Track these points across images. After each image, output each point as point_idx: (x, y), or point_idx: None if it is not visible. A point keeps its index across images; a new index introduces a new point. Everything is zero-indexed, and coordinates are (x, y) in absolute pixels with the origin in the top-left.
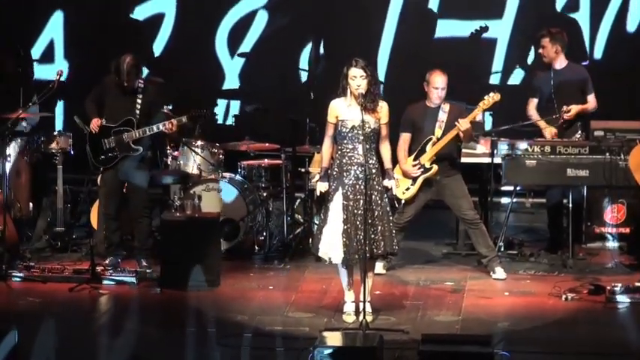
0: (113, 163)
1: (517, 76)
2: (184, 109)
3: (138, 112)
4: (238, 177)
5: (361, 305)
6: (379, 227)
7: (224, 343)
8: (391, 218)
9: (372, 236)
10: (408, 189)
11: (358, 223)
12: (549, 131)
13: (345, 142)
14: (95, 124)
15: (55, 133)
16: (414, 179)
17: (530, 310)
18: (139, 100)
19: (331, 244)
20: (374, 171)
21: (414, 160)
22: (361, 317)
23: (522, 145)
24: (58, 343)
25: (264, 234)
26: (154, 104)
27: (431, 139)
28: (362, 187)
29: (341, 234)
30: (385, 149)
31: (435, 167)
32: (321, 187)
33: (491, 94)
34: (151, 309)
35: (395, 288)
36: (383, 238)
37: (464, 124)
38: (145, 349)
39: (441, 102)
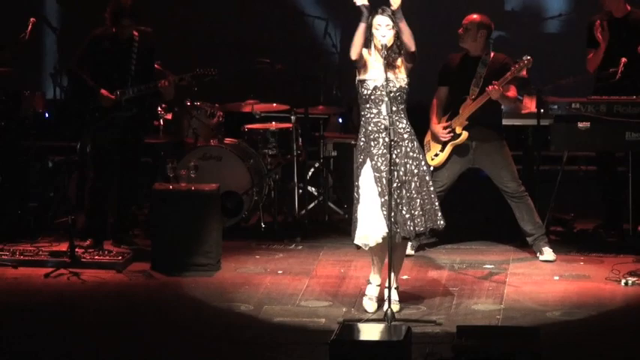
0: (101, 123)
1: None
2: (180, 64)
3: (133, 67)
4: (241, 143)
5: (386, 292)
6: (418, 201)
7: (226, 337)
8: (432, 189)
9: (412, 212)
10: (437, 154)
11: (398, 198)
12: None
13: (369, 106)
14: (107, 98)
15: (26, 93)
16: (444, 144)
17: (585, 296)
18: (134, 55)
19: (369, 224)
20: (405, 136)
21: (448, 120)
22: (386, 306)
23: (574, 105)
24: (30, 342)
25: (272, 209)
26: (150, 58)
27: (465, 99)
28: (393, 155)
29: (380, 208)
30: None
31: (465, 134)
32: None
33: (525, 57)
34: (140, 298)
35: (425, 272)
36: (424, 213)
37: (494, 92)
38: (134, 347)
39: (485, 50)
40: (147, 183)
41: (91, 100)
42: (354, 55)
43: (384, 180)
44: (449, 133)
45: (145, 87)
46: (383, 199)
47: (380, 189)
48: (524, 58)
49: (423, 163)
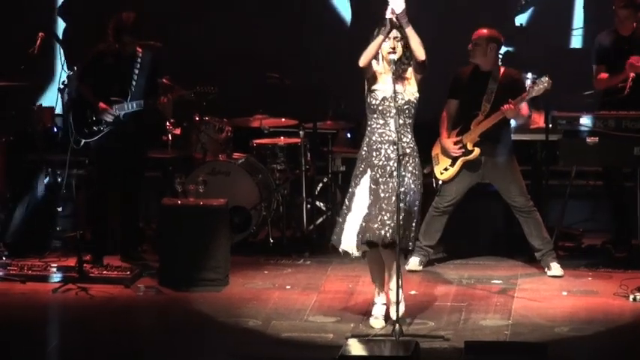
0: (96, 138)
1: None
2: (188, 79)
3: (135, 82)
4: (250, 158)
5: (393, 308)
6: (403, 214)
7: (234, 353)
8: (416, 209)
9: (388, 221)
10: (446, 169)
11: (385, 205)
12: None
13: (375, 116)
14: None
15: (35, 107)
16: (454, 159)
17: (593, 312)
18: (136, 70)
19: (351, 235)
20: (408, 150)
21: (458, 135)
22: (391, 322)
23: (583, 120)
24: (38, 357)
25: (280, 224)
26: (152, 73)
27: (477, 115)
28: (393, 168)
29: (362, 218)
30: None
31: (477, 151)
32: None
33: (544, 78)
34: (148, 313)
35: (433, 287)
36: (409, 228)
37: (510, 112)
38: None
39: (495, 65)
40: (155, 198)
41: (90, 114)
42: (361, 63)
43: (378, 192)
44: (460, 148)
45: (143, 103)
46: (367, 211)
47: (370, 201)
48: (543, 79)
49: (419, 182)
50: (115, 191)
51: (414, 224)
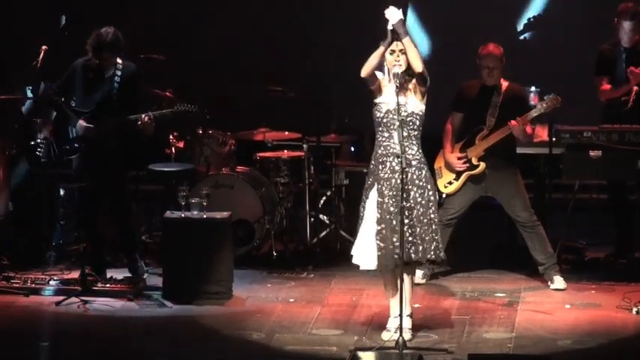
0: (75, 155)
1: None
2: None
3: (115, 98)
4: (253, 171)
5: (398, 320)
6: (417, 229)
7: None
8: (436, 220)
9: (410, 239)
10: (450, 183)
11: (395, 223)
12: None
13: (381, 129)
14: (85, 129)
15: (38, 121)
16: (458, 173)
17: (596, 325)
18: (115, 85)
19: (363, 247)
20: (414, 163)
21: (462, 150)
22: (397, 334)
23: (586, 133)
24: None
25: (284, 238)
26: (132, 89)
27: (481, 129)
28: (398, 181)
29: (375, 236)
30: None
31: (482, 165)
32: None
33: (552, 96)
34: (151, 326)
35: (437, 300)
36: (422, 242)
37: (517, 128)
38: None
39: (495, 82)
40: (159, 211)
41: (70, 130)
42: (363, 73)
43: (384, 206)
44: (464, 163)
45: (122, 121)
46: (379, 227)
47: (379, 215)
48: (552, 97)
49: (430, 193)
50: (101, 206)
51: (433, 235)
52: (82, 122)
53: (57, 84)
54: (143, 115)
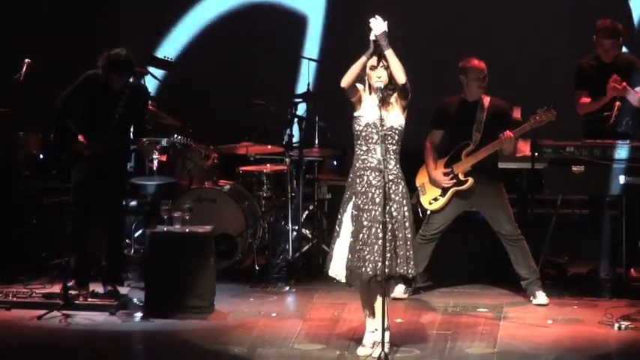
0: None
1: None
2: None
3: (118, 116)
4: (236, 185)
5: (379, 335)
6: (393, 244)
7: None
8: (409, 236)
9: (368, 256)
10: (435, 199)
11: (366, 237)
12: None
13: (359, 142)
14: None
15: (21, 134)
16: (444, 189)
17: (578, 340)
18: (121, 103)
19: (339, 260)
20: (391, 177)
21: (446, 166)
22: (378, 350)
23: (568, 148)
24: None
25: (266, 252)
26: (138, 109)
27: (467, 144)
28: (374, 195)
29: (347, 248)
30: None
31: (471, 181)
32: None
33: (545, 109)
34: (133, 340)
35: (419, 315)
36: (396, 257)
37: (509, 141)
38: None
39: (481, 95)
40: (141, 224)
41: (69, 144)
42: (343, 83)
43: (359, 219)
44: (451, 179)
45: (121, 141)
46: (351, 239)
47: (354, 228)
48: (547, 112)
49: (405, 208)
50: (94, 219)
51: (406, 250)
52: (80, 138)
53: (63, 94)
54: (144, 139)
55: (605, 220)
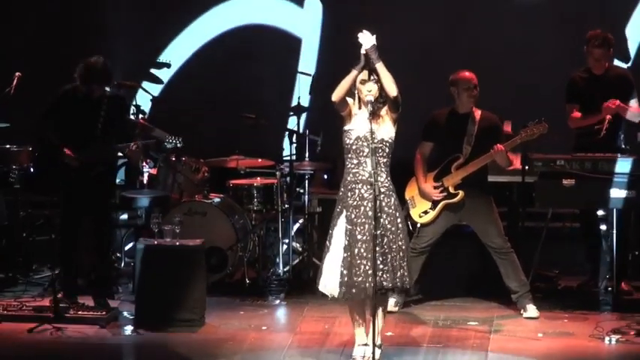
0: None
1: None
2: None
3: (100, 126)
4: (226, 198)
5: (369, 350)
6: (389, 256)
7: None
8: (404, 247)
9: (381, 266)
10: (426, 212)
11: (363, 251)
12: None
13: (350, 156)
14: (70, 158)
15: (13, 148)
16: (434, 203)
17: (568, 354)
18: (102, 113)
19: (331, 275)
20: (382, 190)
21: (436, 179)
22: None
23: (558, 161)
24: None
25: (257, 265)
26: (119, 117)
27: (458, 157)
28: (367, 208)
29: (340, 263)
30: None
31: (461, 194)
32: None
33: (536, 122)
34: (123, 353)
35: (409, 328)
36: (392, 269)
37: (500, 154)
38: None
39: (472, 107)
40: (132, 238)
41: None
42: (334, 97)
43: (353, 233)
44: (441, 192)
45: (108, 149)
46: (345, 254)
47: (347, 242)
48: (538, 124)
49: (399, 220)
50: (82, 230)
51: (401, 262)
52: (66, 151)
53: (42, 112)
54: (131, 144)
55: (597, 234)
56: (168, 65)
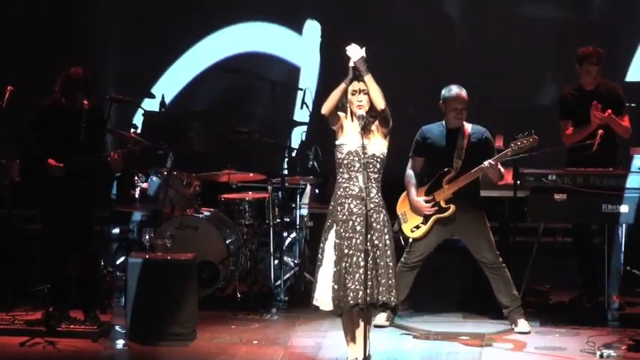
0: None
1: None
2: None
3: (82, 137)
4: (218, 213)
5: None
6: (375, 272)
7: None
8: (391, 264)
9: (351, 285)
10: (417, 227)
11: (348, 266)
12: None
13: (341, 170)
14: (55, 169)
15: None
16: (426, 217)
17: None
18: (83, 125)
19: (323, 289)
20: (372, 205)
21: (427, 193)
22: None
23: (550, 176)
24: None
25: (248, 279)
26: (100, 128)
27: (448, 171)
28: (355, 223)
29: (332, 277)
30: None
31: (452, 208)
32: None
33: (526, 134)
34: None
35: (401, 343)
36: (378, 285)
37: (491, 168)
38: None
39: (461, 123)
40: (123, 252)
41: (39, 170)
42: (324, 110)
43: (341, 247)
44: (433, 206)
45: (92, 159)
46: (335, 269)
47: (336, 257)
48: (528, 137)
49: (387, 237)
50: (69, 243)
51: (388, 278)
52: (50, 162)
53: (29, 129)
54: (112, 152)
55: (589, 249)
56: (152, 96)
